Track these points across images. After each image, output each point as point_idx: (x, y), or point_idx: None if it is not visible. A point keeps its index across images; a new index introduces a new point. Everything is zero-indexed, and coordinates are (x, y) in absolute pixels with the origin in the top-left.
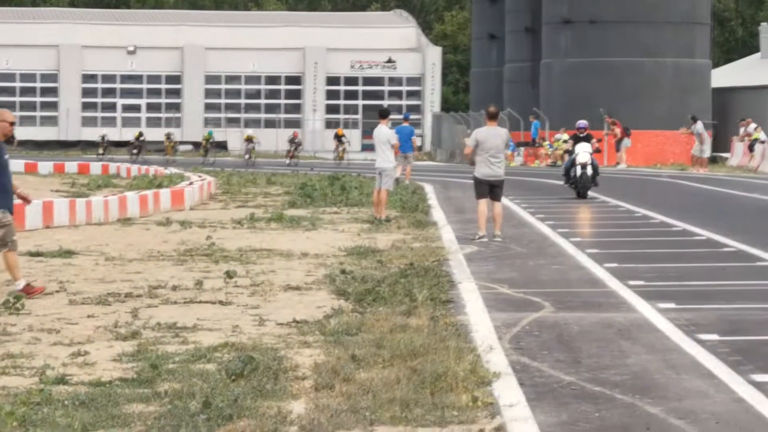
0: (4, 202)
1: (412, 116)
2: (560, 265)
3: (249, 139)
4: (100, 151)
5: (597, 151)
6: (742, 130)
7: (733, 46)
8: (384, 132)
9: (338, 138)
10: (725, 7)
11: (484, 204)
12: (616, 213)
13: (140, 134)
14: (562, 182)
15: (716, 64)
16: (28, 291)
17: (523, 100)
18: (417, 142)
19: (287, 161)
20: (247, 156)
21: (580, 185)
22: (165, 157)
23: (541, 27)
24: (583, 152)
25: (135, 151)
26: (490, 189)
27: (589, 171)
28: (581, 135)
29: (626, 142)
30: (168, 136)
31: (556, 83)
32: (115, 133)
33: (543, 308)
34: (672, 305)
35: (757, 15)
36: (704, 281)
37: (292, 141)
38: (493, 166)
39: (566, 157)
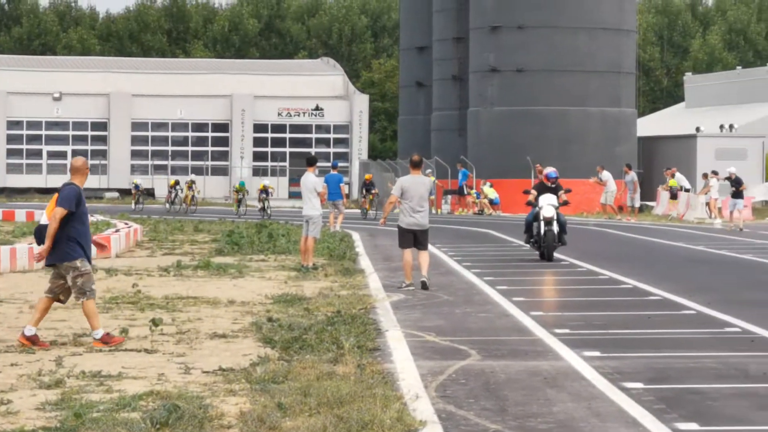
0: (84, 250)
1: (339, 164)
2: (487, 313)
3: (264, 190)
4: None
5: (564, 203)
6: (669, 176)
7: (659, 95)
8: (311, 180)
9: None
10: (651, 57)
11: (409, 253)
12: (543, 261)
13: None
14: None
15: (642, 113)
16: (106, 340)
17: (451, 148)
18: (345, 189)
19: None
20: (260, 206)
21: (543, 245)
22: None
23: (469, 75)
24: (548, 205)
25: None
26: (415, 238)
27: (555, 228)
28: (550, 185)
29: None
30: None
31: (484, 131)
32: (40, 181)
33: (469, 356)
34: (597, 353)
35: (681, 65)
36: (630, 329)
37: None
38: (417, 215)
39: (493, 208)
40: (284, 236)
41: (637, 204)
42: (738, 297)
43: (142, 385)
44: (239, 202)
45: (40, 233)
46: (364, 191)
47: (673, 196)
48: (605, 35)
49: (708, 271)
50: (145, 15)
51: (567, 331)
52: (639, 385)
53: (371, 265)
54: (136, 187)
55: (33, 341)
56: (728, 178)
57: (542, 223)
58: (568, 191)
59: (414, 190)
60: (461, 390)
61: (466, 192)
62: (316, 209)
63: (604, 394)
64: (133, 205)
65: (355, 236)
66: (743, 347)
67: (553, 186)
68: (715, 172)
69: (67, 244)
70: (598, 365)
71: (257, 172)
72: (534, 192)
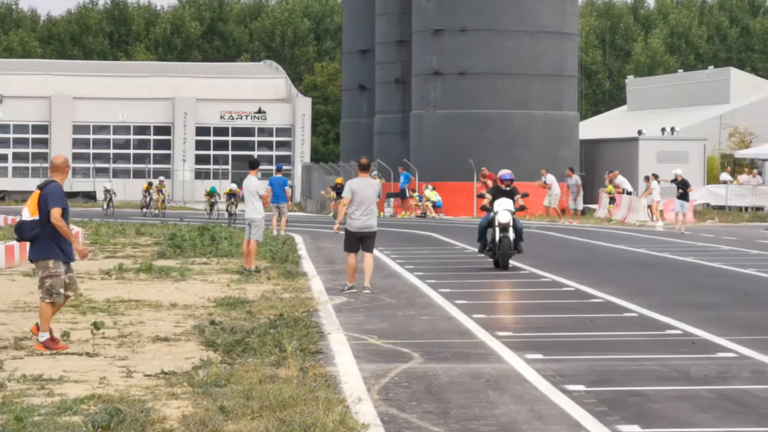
0: (63, 251)
1: (283, 167)
2: (430, 316)
3: (231, 194)
4: None
5: (521, 208)
6: (606, 180)
7: (601, 98)
8: (253, 183)
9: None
10: (593, 60)
11: (353, 257)
12: (486, 263)
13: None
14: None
15: (584, 117)
16: (48, 345)
17: (393, 151)
18: (289, 192)
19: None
20: (227, 210)
21: (498, 253)
22: None
23: (411, 78)
24: (504, 210)
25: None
26: (362, 240)
27: (511, 235)
28: (505, 188)
29: None
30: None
31: (426, 134)
32: None
33: (412, 359)
34: (540, 356)
35: (623, 68)
36: (572, 332)
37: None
38: (366, 218)
39: (435, 211)
40: (227, 239)
41: (580, 207)
42: (679, 299)
43: (84, 389)
44: (212, 206)
45: (21, 229)
46: (335, 194)
47: (612, 200)
48: (548, 38)
49: (650, 273)
50: (86, 17)
51: (509, 333)
52: (581, 387)
53: (314, 268)
54: (107, 191)
55: (47, 346)
56: (674, 180)
57: (497, 230)
58: (525, 195)
59: (363, 193)
60: (404, 393)
61: (408, 195)
62: (258, 212)
63: (547, 396)
64: (104, 208)
65: (298, 239)
66: (685, 349)
67: (509, 189)
68: (655, 175)
69: (46, 242)
70: (540, 368)
71: (199, 175)
72: (489, 196)
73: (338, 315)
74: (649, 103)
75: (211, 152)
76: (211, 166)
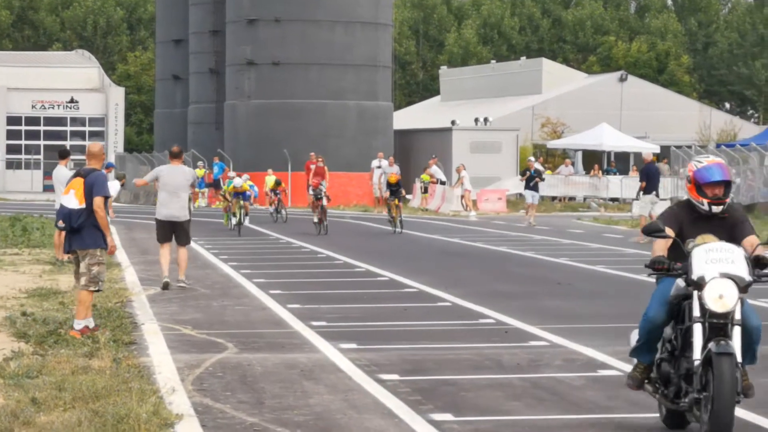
0: (104, 240)
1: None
2: (244, 306)
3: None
4: None
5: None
6: (424, 170)
7: (415, 89)
8: (62, 173)
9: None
10: (407, 50)
11: (166, 248)
12: (300, 253)
13: None
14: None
15: (398, 107)
16: (85, 333)
17: (208, 142)
18: None
19: None
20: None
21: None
22: None
23: (225, 68)
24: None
25: None
26: (173, 231)
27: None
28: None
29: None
30: None
31: (241, 125)
32: None
33: (226, 349)
34: (354, 345)
35: (437, 59)
36: (386, 322)
37: None
38: (172, 206)
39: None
40: (39, 230)
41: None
42: (493, 289)
43: None
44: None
45: (70, 218)
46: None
47: (425, 189)
48: (362, 29)
49: (463, 263)
50: None
51: (324, 323)
52: (395, 376)
53: (128, 259)
54: None
55: (83, 333)
56: (527, 169)
57: (705, 330)
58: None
59: (170, 180)
60: (218, 383)
61: (222, 185)
62: None
63: (361, 386)
64: None
65: (112, 229)
66: (497, 338)
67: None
68: (463, 165)
69: (92, 230)
70: (354, 357)
71: (11, 165)
72: (670, 232)
73: (152, 305)
74: (463, 93)
75: (23, 142)
76: (23, 156)
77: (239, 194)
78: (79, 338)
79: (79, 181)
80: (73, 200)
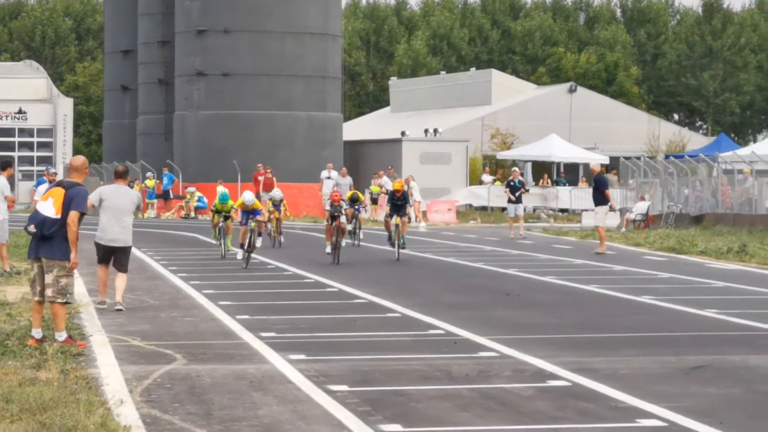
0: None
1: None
2: (193, 317)
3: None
4: None
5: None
6: (372, 182)
7: (365, 99)
8: (2, 183)
9: None
10: (356, 61)
11: (103, 269)
12: (250, 265)
13: None
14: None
15: (348, 118)
16: (69, 343)
17: (157, 152)
18: None
19: None
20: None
21: None
22: None
23: (174, 79)
24: None
25: None
26: (113, 254)
27: None
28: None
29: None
30: None
31: (190, 135)
32: None
33: (175, 360)
34: (303, 356)
35: (386, 70)
36: (335, 332)
37: None
38: (115, 230)
39: (200, 212)
40: None
41: None
42: (442, 299)
43: None
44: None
45: (43, 225)
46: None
47: (374, 200)
48: (311, 40)
49: (413, 274)
50: None
51: (273, 334)
52: (344, 387)
53: (75, 270)
54: None
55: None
56: (511, 180)
57: None
58: None
59: (114, 203)
60: (166, 394)
61: (171, 196)
62: (2, 213)
63: (310, 397)
64: None
65: None
66: (447, 349)
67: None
68: (412, 177)
69: (63, 242)
70: (303, 368)
71: None
72: None
73: (100, 317)
74: (412, 104)
75: None
76: None
77: (248, 213)
78: (69, 344)
79: (60, 192)
80: (51, 209)
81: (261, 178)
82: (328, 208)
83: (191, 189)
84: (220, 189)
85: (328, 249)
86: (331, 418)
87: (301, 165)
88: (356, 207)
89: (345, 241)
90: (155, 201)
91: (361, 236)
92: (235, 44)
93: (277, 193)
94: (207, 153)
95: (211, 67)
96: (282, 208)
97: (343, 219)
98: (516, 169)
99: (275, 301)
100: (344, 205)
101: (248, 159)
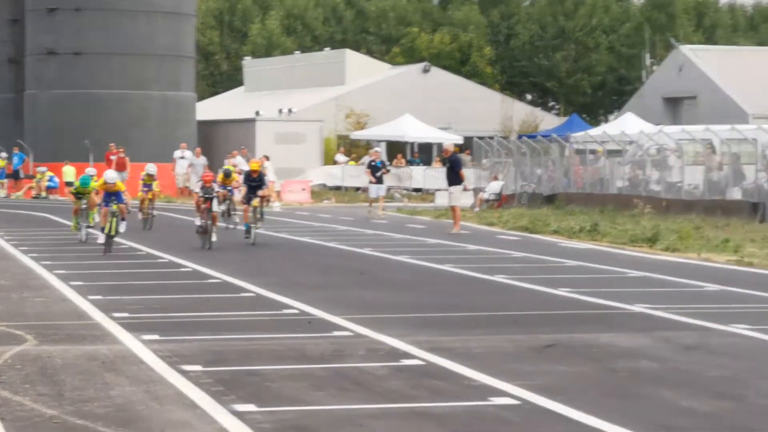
0: None
1: None
2: (45, 298)
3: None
4: None
5: None
6: (226, 162)
7: (219, 79)
8: None
9: None
10: (210, 41)
11: None
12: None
13: None
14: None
15: (202, 97)
16: None
17: (7, 132)
18: None
19: None
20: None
21: None
22: None
23: (25, 58)
24: None
25: None
26: None
27: None
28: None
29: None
30: None
31: (42, 115)
32: None
33: (26, 341)
34: (156, 337)
35: (240, 49)
36: (189, 312)
37: None
38: None
39: (51, 192)
40: None
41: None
42: (297, 279)
43: None
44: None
45: None
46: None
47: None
48: (164, 19)
49: (268, 254)
50: None
51: (126, 315)
52: (198, 367)
53: None
54: None
55: None
56: (373, 161)
57: None
58: None
59: None
60: (17, 376)
61: (22, 176)
62: None
63: (163, 377)
64: None
65: None
66: (301, 329)
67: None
68: (267, 156)
69: None
70: (156, 348)
71: None
72: None
73: None
74: (267, 84)
75: None
76: None
77: (111, 195)
78: None
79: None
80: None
81: (113, 158)
82: (197, 190)
83: (42, 169)
84: (67, 169)
85: (198, 221)
86: (185, 398)
87: (154, 145)
88: (229, 189)
89: (218, 227)
90: (5, 181)
91: (237, 219)
92: (87, 23)
93: (151, 167)
94: (59, 133)
95: (62, 45)
96: (154, 187)
97: (214, 204)
98: (378, 149)
99: (128, 281)
100: (215, 188)
101: (101, 139)
